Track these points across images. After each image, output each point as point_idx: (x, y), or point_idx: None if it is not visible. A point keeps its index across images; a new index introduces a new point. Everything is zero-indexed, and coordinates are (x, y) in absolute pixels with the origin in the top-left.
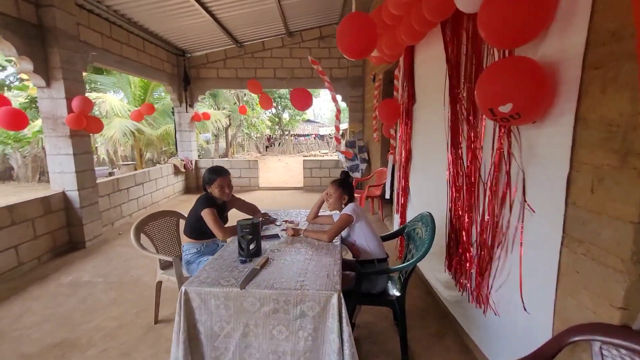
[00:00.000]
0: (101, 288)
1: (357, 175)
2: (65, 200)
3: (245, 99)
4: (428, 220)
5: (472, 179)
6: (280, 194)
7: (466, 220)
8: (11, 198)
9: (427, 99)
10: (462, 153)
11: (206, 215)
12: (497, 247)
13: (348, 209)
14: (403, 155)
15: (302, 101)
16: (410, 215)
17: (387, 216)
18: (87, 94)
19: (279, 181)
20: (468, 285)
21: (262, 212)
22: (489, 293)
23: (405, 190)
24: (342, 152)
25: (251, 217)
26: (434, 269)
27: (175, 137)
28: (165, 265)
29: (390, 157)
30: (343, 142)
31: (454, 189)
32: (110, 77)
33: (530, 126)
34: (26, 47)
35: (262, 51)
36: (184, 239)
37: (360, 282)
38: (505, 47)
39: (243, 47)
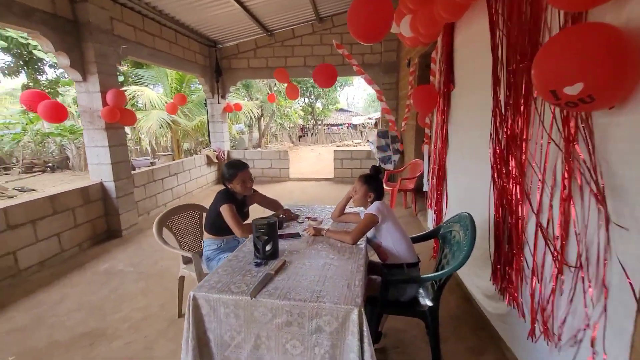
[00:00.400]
0: (132, 278)
1: (389, 167)
2: (103, 191)
3: (275, 88)
4: (467, 222)
5: (523, 180)
6: (310, 185)
7: (519, 227)
8: (65, 185)
9: (469, 84)
10: (511, 147)
11: (225, 211)
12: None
13: (372, 209)
14: (439, 146)
15: (325, 76)
16: (446, 212)
17: (421, 211)
18: (126, 87)
19: (310, 171)
20: (519, 300)
21: (284, 207)
22: (548, 316)
23: (441, 185)
24: (383, 110)
25: (272, 212)
26: (472, 273)
27: (208, 128)
28: (188, 260)
29: (426, 148)
30: (375, 131)
31: (499, 189)
32: (149, 71)
33: (606, 113)
34: (62, 42)
35: (292, 39)
36: (205, 235)
37: (387, 290)
38: (576, 9)
39: (273, 35)
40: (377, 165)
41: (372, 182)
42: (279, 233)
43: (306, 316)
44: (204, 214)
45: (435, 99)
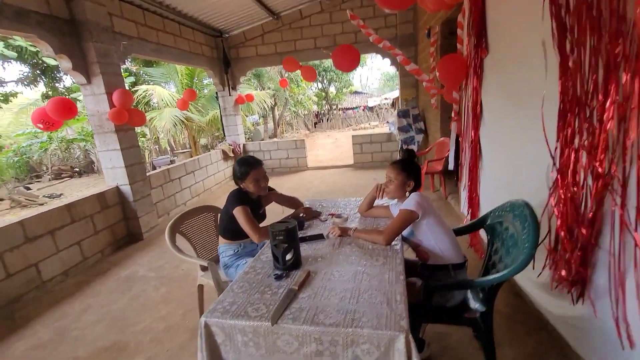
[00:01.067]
0: (153, 284)
1: (413, 148)
2: (120, 195)
3: (287, 75)
4: (525, 213)
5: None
6: (329, 173)
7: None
8: (91, 189)
9: (510, 46)
10: (586, 126)
11: (238, 213)
12: None
13: (410, 202)
14: (470, 123)
15: (347, 59)
16: (483, 197)
17: (451, 194)
18: (137, 87)
19: (328, 159)
20: (590, 296)
21: (305, 205)
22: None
23: (476, 166)
24: (411, 71)
25: (292, 211)
26: None
27: (222, 122)
28: (206, 266)
29: (454, 125)
30: (395, 111)
31: (564, 178)
32: (159, 68)
33: None
34: (62, 44)
35: (300, 20)
36: (220, 240)
37: (431, 297)
38: None
39: (280, 18)
40: (399, 155)
41: (411, 169)
42: (300, 236)
43: (340, 344)
44: (220, 215)
45: (464, 69)
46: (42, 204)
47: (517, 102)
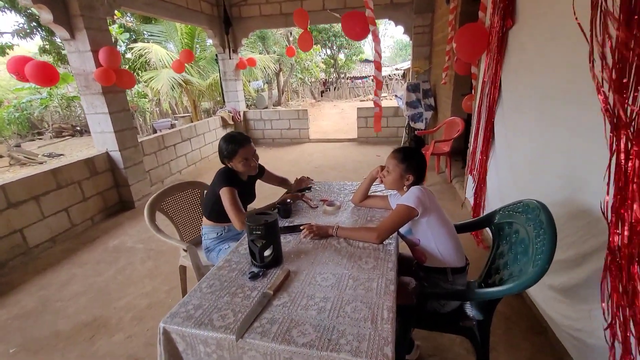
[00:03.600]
0: (140, 257)
1: (420, 125)
2: (110, 161)
3: (293, 38)
4: (541, 218)
5: None
6: (331, 147)
7: None
8: (93, 149)
9: (542, 16)
10: None
11: (224, 195)
12: None
13: (410, 198)
14: (486, 103)
15: (358, 27)
16: (492, 189)
17: (457, 177)
18: (133, 45)
19: (332, 130)
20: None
21: (299, 178)
22: None
23: (487, 151)
24: (375, 104)
25: (284, 191)
26: None
27: (221, 87)
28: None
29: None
30: (404, 84)
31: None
32: (158, 25)
33: None
34: None
35: None
36: (204, 221)
37: (425, 303)
38: None
39: None
40: (405, 131)
41: (412, 160)
42: (287, 225)
43: None
44: (205, 194)
45: (485, 40)
46: (41, 163)
47: (546, 85)
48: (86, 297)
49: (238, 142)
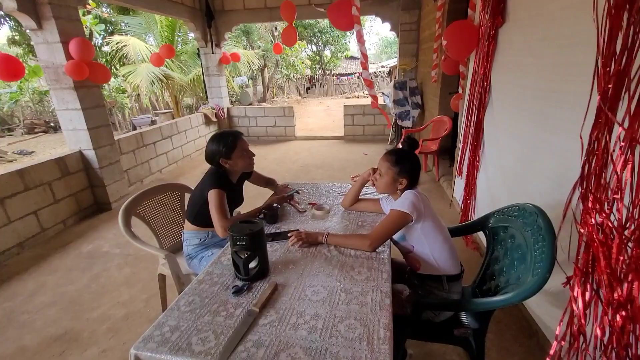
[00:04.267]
0: (117, 262)
1: (407, 124)
2: (83, 160)
3: (278, 33)
4: (539, 223)
5: None
6: (318, 145)
7: None
8: (66, 147)
9: (533, 15)
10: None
11: (212, 197)
12: None
13: (404, 203)
14: (475, 103)
15: (345, 15)
16: (481, 189)
17: (445, 175)
18: (109, 38)
19: (318, 128)
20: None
21: (282, 184)
22: None
23: (477, 151)
24: (371, 96)
25: (271, 193)
26: None
27: (204, 83)
28: (171, 251)
29: (461, 103)
30: (391, 82)
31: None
32: (137, 17)
33: None
34: None
35: None
36: (186, 225)
37: (420, 313)
38: None
39: None
40: (392, 129)
41: (406, 163)
42: (273, 231)
43: None
44: (188, 195)
45: (474, 38)
46: (11, 161)
47: (536, 85)
48: (56, 308)
49: (234, 135)
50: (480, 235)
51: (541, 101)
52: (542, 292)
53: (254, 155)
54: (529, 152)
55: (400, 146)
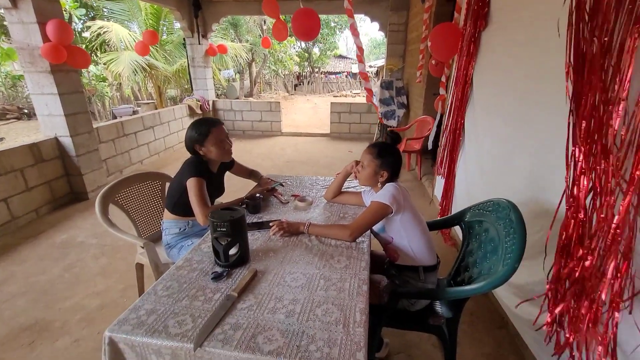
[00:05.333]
0: (92, 253)
1: (392, 123)
2: (59, 147)
3: (266, 27)
4: (511, 217)
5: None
6: (303, 141)
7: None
8: (40, 134)
9: (514, 20)
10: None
11: (191, 185)
12: None
13: (385, 196)
14: (456, 103)
15: (305, 26)
16: (460, 186)
17: (427, 174)
18: (90, 23)
19: (304, 124)
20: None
21: (265, 176)
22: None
23: (456, 150)
24: (366, 90)
25: (255, 184)
26: None
27: (189, 74)
28: (151, 241)
29: (440, 103)
30: (378, 81)
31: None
32: (120, 3)
33: None
34: None
35: None
36: (166, 214)
37: (396, 302)
38: None
39: None
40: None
41: (388, 157)
42: (256, 220)
43: None
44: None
45: (458, 41)
46: None
47: (515, 87)
48: (26, 298)
49: (210, 123)
50: (457, 231)
51: (518, 102)
52: (513, 285)
53: (230, 144)
54: (506, 151)
55: (383, 140)
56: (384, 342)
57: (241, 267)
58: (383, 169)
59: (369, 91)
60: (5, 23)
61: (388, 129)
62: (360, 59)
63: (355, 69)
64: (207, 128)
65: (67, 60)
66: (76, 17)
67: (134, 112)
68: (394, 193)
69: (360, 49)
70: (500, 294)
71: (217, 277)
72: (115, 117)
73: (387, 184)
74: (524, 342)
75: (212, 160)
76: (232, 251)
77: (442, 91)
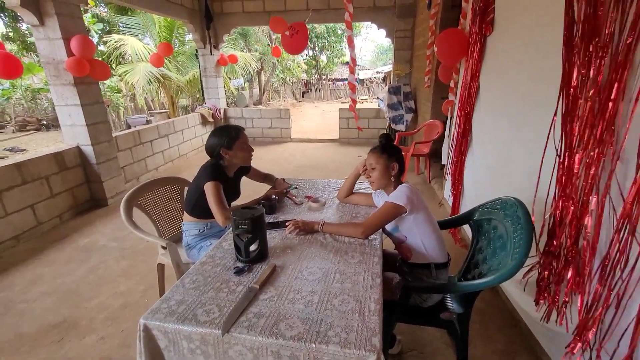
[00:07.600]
0: (114, 256)
1: (401, 127)
2: (81, 156)
3: (275, 37)
4: (518, 214)
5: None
6: (313, 147)
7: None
8: (60, 144)
9: (518, 26)
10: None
11: (209, 189)
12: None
13: (399, 196)
14: (464, 107)
15: (296, 41)
16: (468, 187)
17: (435, 177)
18: (108, 37)
19: (313, 131)
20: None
21: (280, 178)
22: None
23: (463, 153)
24: (351, 99)
25: (269, 187)
26: None
27: (201, 84)
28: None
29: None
30: (386, 87)
31: (566, 174)
32: (135, 17)
33: None
34: None
35: None
36: (185, 216)
37: (408, 297)
38: None
39: None
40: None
41: (390, 149)
42: (272, 220)
43: None
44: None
45: (464, 46)
46: (2, 158)
47: (518, 89)
48: (54, 297)
49: (236, 129)
50: (468, 232)
51: (519, 102)
52: (523, 283)
53: (252, 150)
54: (510, 151)
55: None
56: (397, 339)
57: (261, 262)
58: (392, 162)
59: (353, 101)
60: (27, 39)
61: (397, 134)
62: (352, 70)
63: (362, 75)
64: (236, 132)
65: (90, 73)
66: (94, 31)
67: (148, 122)
68: (408, 194)
69: (353, 60)
70: (512, 293)
71: (239, 272)
72: (129, 127)
73: (400, 186)
74: (536, 339)
75: (229, 165)
76: (253, 247)
77: (451, 97)
